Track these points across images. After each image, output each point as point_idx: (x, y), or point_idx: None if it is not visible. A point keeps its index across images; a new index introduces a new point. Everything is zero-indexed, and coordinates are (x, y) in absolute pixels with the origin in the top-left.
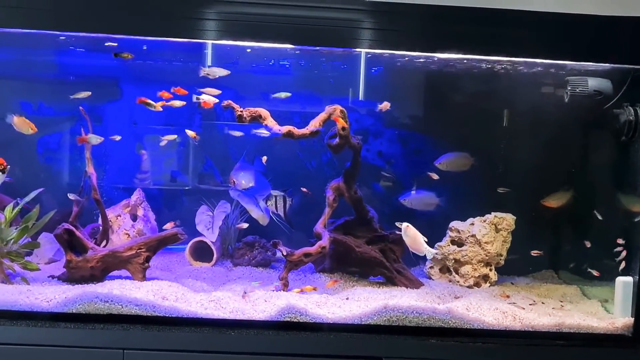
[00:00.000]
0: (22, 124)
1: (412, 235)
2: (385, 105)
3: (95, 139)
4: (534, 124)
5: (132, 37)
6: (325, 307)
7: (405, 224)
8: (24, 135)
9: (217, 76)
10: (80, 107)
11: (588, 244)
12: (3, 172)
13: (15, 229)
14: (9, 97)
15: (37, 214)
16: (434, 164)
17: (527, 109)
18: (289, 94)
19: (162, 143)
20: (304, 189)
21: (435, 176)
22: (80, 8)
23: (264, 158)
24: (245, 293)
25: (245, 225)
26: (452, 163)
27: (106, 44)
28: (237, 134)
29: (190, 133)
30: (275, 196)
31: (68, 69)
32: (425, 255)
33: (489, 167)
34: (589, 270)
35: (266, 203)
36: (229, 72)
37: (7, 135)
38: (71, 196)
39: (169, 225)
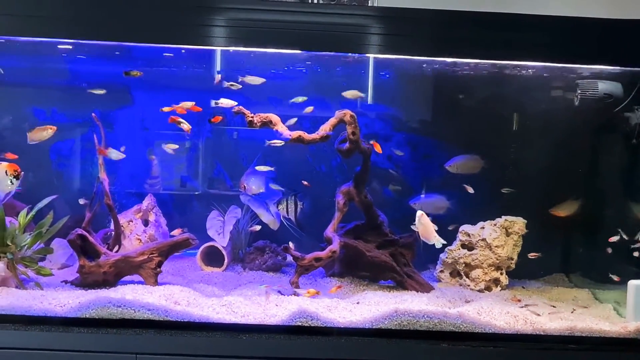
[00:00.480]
0: (37, 135)
1: (425, 223)
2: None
3: (115, 154)
4: (544, 127)
5: (142, 45)
6: (336, 311)
7: (420, 212)
8: (37, 142)
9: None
10: (93, 114)
11: (609, 250)
12: (17, 179)
13: (29, 234)
14: (23, 104)
15: (50, 220)
16: (444, 166)
17: (537, 112)
18: (305, 98)
19: (169, 150)
20: (305, 182)
21: (470, 189)
22: (92, 17)
23: (270, 168)
24: (267, 293)
25: (257, 228)
26: (463, 165)
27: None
28: (278, 143)
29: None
30: (286, 200)
31: (81, 76)
32: (434, 244)
33: (500, 170)
34: (610, 275)
35: (277, 207)
36: (264, 80)
37: (20, 142)
38: (81, 201)
39: (176, 232)
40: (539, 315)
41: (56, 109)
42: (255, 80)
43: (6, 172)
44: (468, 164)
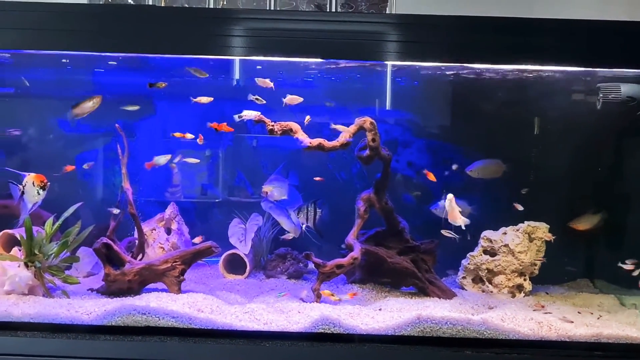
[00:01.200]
0: (82, 108)
1: (454, 206)
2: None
3: (163, 159)
4: (565, 131)
5: (164, 56)
6: (358, 318)
7: (450, 195)
8: (62, 153)
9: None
10: (117, 125)
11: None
12: (43, 189)
13: (56, 244)
14: (48, 116)
15: (77, 229)
16: (465, 171)
17: (559, 116)
18: (331, 104)
19: (192, 161)
20: (318, 178)
21: (519, 207)
22: (116, 30)
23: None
24: (303, 300)
25: (290, 237)
26: (484, 170)
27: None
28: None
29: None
30: (306, 207)
31: (104, 87)
32: (460, 226)
33: (522, 175)
34: None
35: (297, 214)
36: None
37: (46, 152)
38: (114, 211)
39: (197, 240)
40: (572, 322)
41: (80, 120)
42: (295, 99)
43: (33, 183)
44: (489, 169)
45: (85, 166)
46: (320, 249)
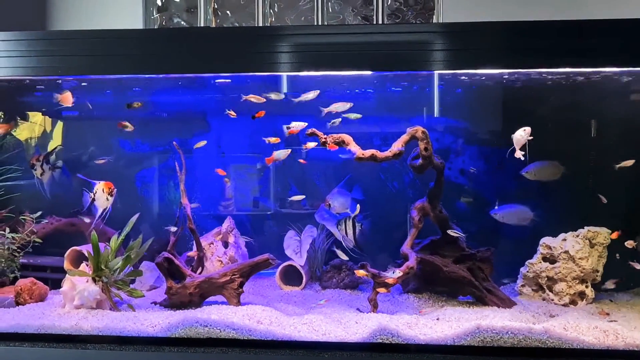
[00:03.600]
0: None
1: (520, 138)
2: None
3: (283, 154)
4: (625, 133)
5: (215, 74)
6: (416, 328)
7: (527, 128)
8: (124, 171)
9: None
10: (174, 142)
11: None
12: (111, 196)
13: (121, 258)
14: (109, 137)
15: (139, 243)
16: (521, 173)
17: (617, 118)
18: (359, 116)
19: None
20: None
21: (604, 199)
22: (163, 53)
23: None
24: (359, 310)
25: (345, 257)
26: (541, 172)
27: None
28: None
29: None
30: (345, 221)
31: (160, 107)
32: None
33: (582, 177)
34: None
35: (337, 227)
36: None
37: (108, 170)
38: (172, 229)
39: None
40: None
41: (140, 139)
42: (339, 106)
43: (103, 189)
44: (547, 170)
45: (99, 161)
46: (375, 259)
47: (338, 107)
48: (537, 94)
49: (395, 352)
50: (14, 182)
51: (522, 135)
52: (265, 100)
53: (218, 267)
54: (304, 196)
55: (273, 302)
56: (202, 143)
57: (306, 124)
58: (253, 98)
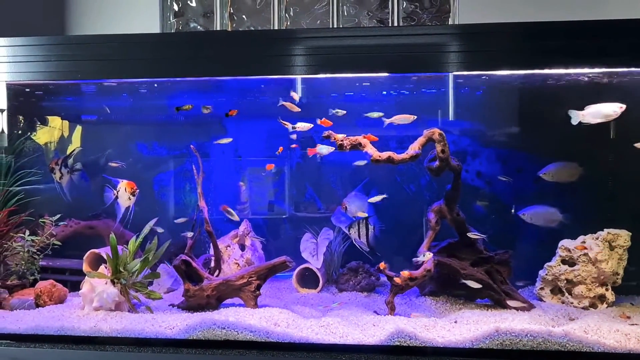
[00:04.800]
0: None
1: (612, 114)
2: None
3: (325, 149)
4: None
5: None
6: (434, 330)
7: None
8: (143, 175)
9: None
10: (192, 146)
11: None
12: (133, 195)
13: (139, 261)
14: (128, 140)
15: (156, 246)
16: (538, 174)
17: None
18: (381, 114)
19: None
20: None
21: None
22: (180, 57)
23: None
24: (376, 313)
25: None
26: (559, 173)
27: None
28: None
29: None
30: (357, 224)
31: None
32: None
33: (601, 179)
34: None
35: (349, 230)
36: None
37: (127, 174)
38: (189, 234)
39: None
40: None
41: (157, 143)
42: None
43: (125, 189)
44: (565, 171)
45: (113, 164)
46: (392, 262)
47: (397, 119)
48: (555, 95)
49: (413, 355)
50: (34, 185)
51: (615, 111)
52: (300, 110)
53: (235, 270)
54: (385, 195)
55: (290, 305)
56: (227, 140)
57: (311, 125)
58: (288, 105)
